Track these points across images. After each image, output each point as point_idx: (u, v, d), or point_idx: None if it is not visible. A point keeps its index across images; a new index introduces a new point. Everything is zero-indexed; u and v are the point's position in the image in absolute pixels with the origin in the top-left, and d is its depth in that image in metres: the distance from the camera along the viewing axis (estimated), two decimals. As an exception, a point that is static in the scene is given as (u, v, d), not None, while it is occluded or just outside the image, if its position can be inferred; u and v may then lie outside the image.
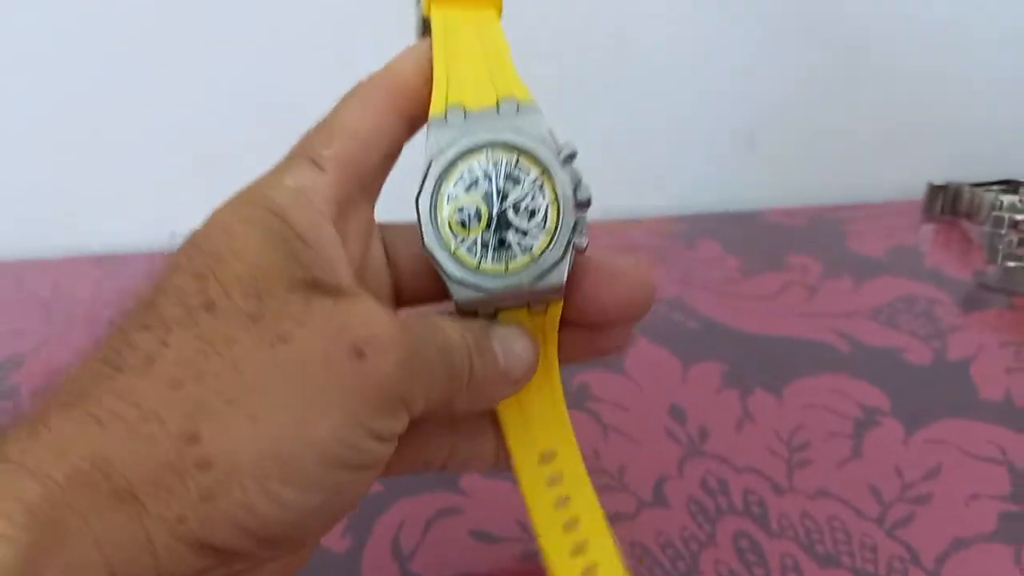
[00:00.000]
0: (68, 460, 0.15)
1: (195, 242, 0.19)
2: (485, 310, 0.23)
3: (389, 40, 0.25)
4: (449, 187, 0.22)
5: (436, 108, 0.22)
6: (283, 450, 0.17)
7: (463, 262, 0.21)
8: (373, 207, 0.23)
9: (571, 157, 0.22)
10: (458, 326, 0.21)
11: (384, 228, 0.24)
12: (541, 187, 0.22)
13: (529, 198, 0.22)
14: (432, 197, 0.22)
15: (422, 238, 0.21)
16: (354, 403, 0.18)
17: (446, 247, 0.21)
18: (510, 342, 0.22)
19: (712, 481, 0.30)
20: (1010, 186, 0.53)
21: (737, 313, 0.42)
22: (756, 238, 0.53)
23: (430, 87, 0.23)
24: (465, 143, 0.22)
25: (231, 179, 0.22)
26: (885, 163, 0.59)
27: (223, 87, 0.57)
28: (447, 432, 0.24)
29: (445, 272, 0.21)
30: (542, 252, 0.21)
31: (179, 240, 0.20)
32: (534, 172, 0.22)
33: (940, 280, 0.44)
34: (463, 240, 0.22)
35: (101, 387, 0.17)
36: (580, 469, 0.24)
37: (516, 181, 0.22)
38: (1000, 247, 0.42)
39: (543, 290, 0.22)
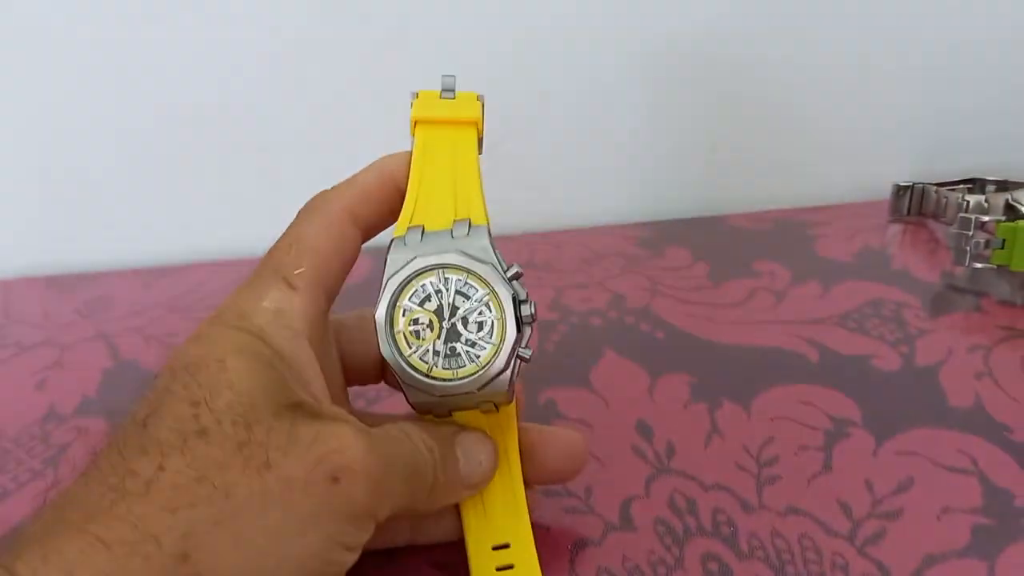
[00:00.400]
0: None
1: (190, 371, 0.21)
2: (439, 410, 0.25)
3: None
4: (404, 301, 0.24)
5: (398, 230, 0.25)
6: (265, 567, 0.19)
7: (416, 368, 0.24)
8: (329, 308, 0.25)
9: (516, 276, 0.24)
10: (426, 437, 0.23)
11: (334, 323, 0.27)
12: (488, 304, 0.24)
13: (477, 313, 0.24)
14: (389, 310, 0.24)
15: (379, 346, 0.23)
16: (329, 524, 0.20)
17: (401, 355, 0.24)
18: (473, 451, 0.25)
19: (680, 500, 0.29)
20: (976, 186, 0.53)
21: (704, 322, 0.42)
22: (722, 244, 0.52)
23: (392, 197, 0.25)
24: (417, 264, 0.24)
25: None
26: (849, 164, 0.59)
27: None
28: (410, 517, 0.26)
29: (400, 377, 0.24)
30: (488, 362, 0.24)
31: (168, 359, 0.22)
32: (482, 290, 0.24)
33: (908, 282, 0.44)
34: (416, 349, 0.24)
35: (106, 511, 0.18)
36: (532, 561, 0.25)
37: (466, 296, 0.24)
38: (968, 248, 0.42)
39: (488, 397, 0.24)
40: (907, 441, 0.31)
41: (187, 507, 0.18)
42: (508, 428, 0.26)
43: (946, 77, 0.57)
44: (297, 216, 0.25)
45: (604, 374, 0.38)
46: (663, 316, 0.43)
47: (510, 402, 0.25)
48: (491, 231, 0.25)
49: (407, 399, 0.24)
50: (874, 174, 0.58)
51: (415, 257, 0.24)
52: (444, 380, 0.24)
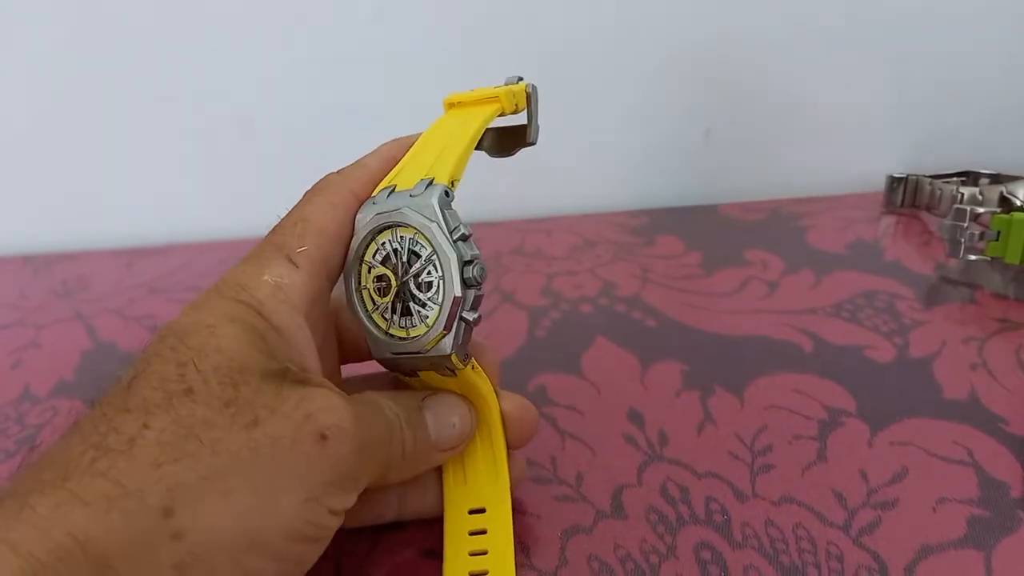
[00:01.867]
0: (51, 537, 0.16)
1: (179, 335, 0.21)
2: (403, 368, 0.25)
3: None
4: (368, 257, 0.24)
5: (376, 190, 0.25)
6: (252, 525, 0.18)
7: (378, 324, 0.24)
8: (332, 289, 0.25)
9: (464, 237, 0.23)
10: (392, 404, 0.24)
11: (334, 301, 0.27)
12: (434, 263, 0.23)
13: (426, 272, 0.23)
14: (355, 265, 0.24)
15: (349, 301, 0.24)
16: (315, 483, 0.20)
17: (365, 310, 0.24)
18: (444, 414, 0.25)
19: (672, 488, 0.28)
20: (969, 178, 0.52)
21: (696, 310, 0.41)
22: (715, 233, 0.52)
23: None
24: (374, 220, 0.24)
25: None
26: (843, 155, 0.59)
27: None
28: (395, 488, 0.26)
29: (366, 331, 0.24)
30: (433, 322, 0.23)
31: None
32: (428, 248, 0.23)
33: (902, 274, 0.44)
34: (378, 306, 0.24)
35: (86, 468, 0.17)
36: (506, 528, 0.25)
37: (417, 255, 0.24)
38: (962, 240, 0.42)
39: (435, 357, 0.24)
40: (902, 431, 0.30)
41: (172, 462, 0.18)
42: (488, 394, 0.26)
43: (941, 69, 0.56)
44: (304, 197, 0.25)
45: (595, 361, 0.37)
46: (654, 304, 0.42)
47: (463, 367, 0.24)
48: (451, 192, 0.24)
49: (373, 354, 0.24)
50: (868, 166, 0.58)
51: (373, 215, 0.24)
52: (399, 339, 0.24)
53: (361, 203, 0.25)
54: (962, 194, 0.46)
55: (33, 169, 0.57)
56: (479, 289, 0.23)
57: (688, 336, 0.39)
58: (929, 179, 0.51)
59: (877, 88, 0.57)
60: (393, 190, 0.24)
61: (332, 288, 0.25)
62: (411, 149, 0.26)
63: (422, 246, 0.23)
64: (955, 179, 0.52)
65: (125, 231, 0.59)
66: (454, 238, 0.23)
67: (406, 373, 0.25)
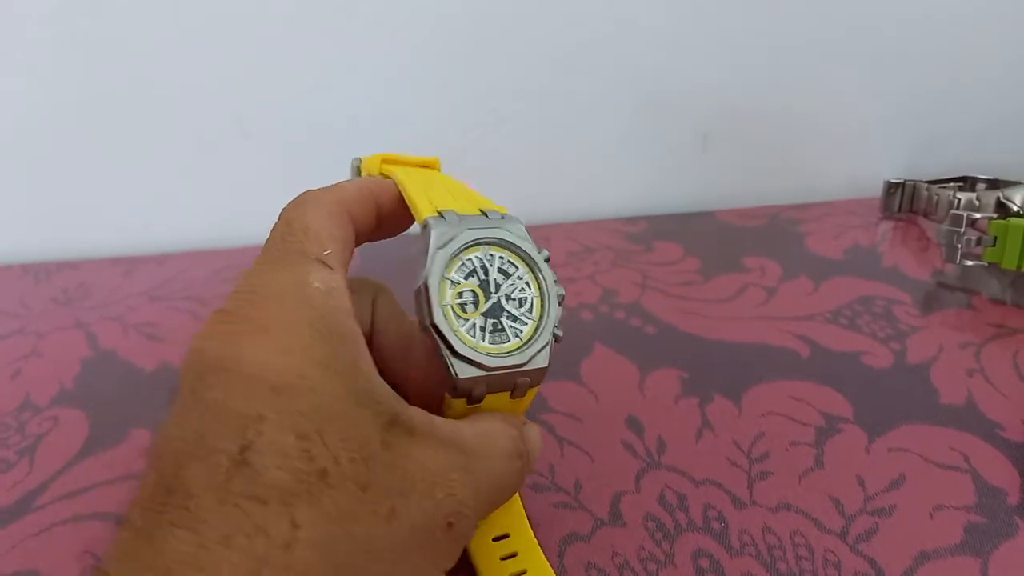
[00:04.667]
0: None
1: (275, 388, 0.18)
2: (478, 391, 0.23)
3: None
4: (451, 273, 0.23)
5: (428, 212, 0.24)
6: None
7: (463, 341, 0.23)
8: None
9: (547, 260, 0.25)
10: (517, 437, 0.24)
11: None
12: (527, 281, 0.24)
13: (518, 290, 0.24)
14: (437, 282, 0.23)
15: (429, 316, 0.22)
16: (442, 563, 0.20)
17: (451, 328, 0.23)
18: (536, 442, 0.25)
19: (671, 496, 0.28)
20: (967, 183, 0.53)
21: (695, 317, 0.41)
22: (713, 239, 0.52)
23: (371, 212, 0.25)
24: (467, 236, 0.24)
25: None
26: (841, 161, 0.59)
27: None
28: None
29: (451, 348, 0.22)
30: (530, 338, 0.24)
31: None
32: (522, 267, 0.24)
33: (899, 280, 0.44)
34: (463, 323, 0.23)
35: None
36: (534, 547, 0.26)
37: (507, 274, 0.24)
38: (959, 246, 0.42)
39: (532, 371, 0.24)
40: (899, 438, 0.30)
41: (334, 570, 0.17)
42: (518, 415, 0.26)
43: (937, 75, 0.56)
44: (290, 211, 0.23)
45: (594, 368, 0.37)
46: (653, 311, 0.42)
47: (540, 383, 0.25)
48: None
49: (453, 375, 0.23)
50: (865, 171, 0.58)
51: (464, 230, 0.24)
52: (491, 354, 0.23)
53: (352, 216, 0.24)
54: (959, 199, 0.46)
55: (32, 178, 0.58)
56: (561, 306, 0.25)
57: (687, 343, 0.39)
58: (926, 184, 0.51)
59: (874, 94, 0.57)
60: (457, 214, 0.24)
61: None
62: (409, 186, 0.25)
63: (513, 265, 0.24)
64: (952, 184, 0.52)
65: (124, 239, 0.60)
66: (544, 259, 0.25)
67: (475, 397, 0.24)
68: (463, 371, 0.23)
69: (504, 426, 0.23)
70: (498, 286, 0.24)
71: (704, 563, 0.25)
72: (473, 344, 0.23)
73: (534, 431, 0.25)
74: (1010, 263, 0.40)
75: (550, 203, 0.59)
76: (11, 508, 0.31)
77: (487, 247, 0.24)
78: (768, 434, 0.31)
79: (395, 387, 0.22)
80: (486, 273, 0.24)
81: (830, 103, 0.57)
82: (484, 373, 0.23)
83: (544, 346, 0.24)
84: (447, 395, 0.23)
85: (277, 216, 0.24)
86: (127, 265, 0.56)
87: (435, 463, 0.20)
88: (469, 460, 0.21)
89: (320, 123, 0.56)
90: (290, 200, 0.24)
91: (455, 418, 0.24)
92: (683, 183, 0.59)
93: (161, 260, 0.57)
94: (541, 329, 0.24)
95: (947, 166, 0.55)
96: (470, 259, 0.24)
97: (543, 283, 0.24)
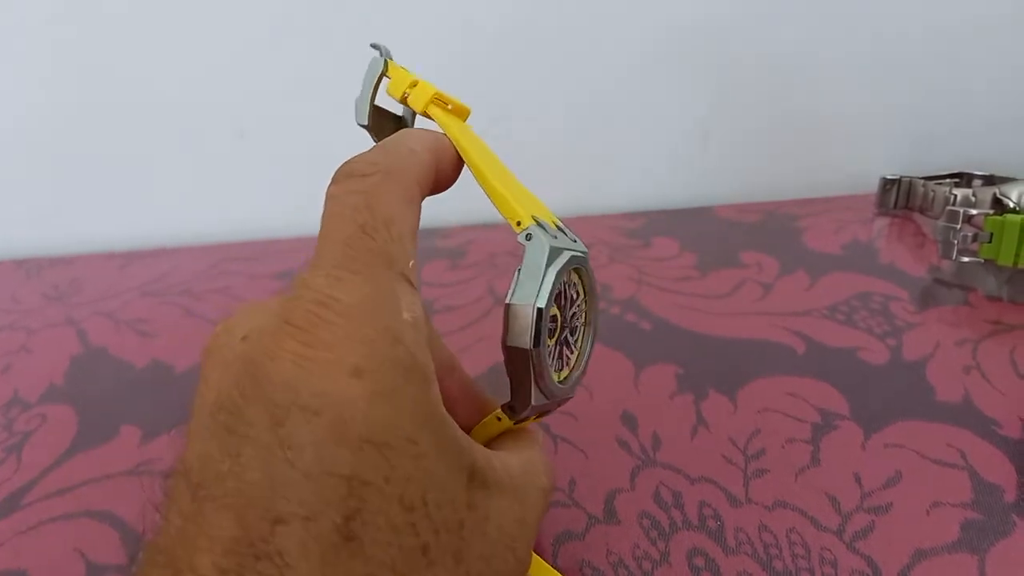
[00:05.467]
0: None
1: (381, 449, 0.16)
2: (528, 415, 0.22)
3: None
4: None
5: (526, 219, 0.22)
6: None
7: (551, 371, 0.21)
8: None
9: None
10: (551, 472, 0.23)
11: None
12: (582, 308, 0.23)
13: (574, 317, 0.23)
14: (547, 305, 0.20)
15: (534, 340, 0.20)
16: None
17: (545, 352, 0.21)
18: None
19: (666, 493, 0.28)
20: (963, 179, 0.52)
21: (691, 313, 0.41)
22: (710, 235, 0.51)
23: (431, 183, 0.22)
24: (568, 257, 0.21)
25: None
26: (837, 156, 0.59)
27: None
28: None
29: (540, 377, 0.21)
30: (572, 368, 0.23)
31: None
32: (581, 294, 0.23)
33: (895, 276, 0.43)
34: (549, 348, 0.21)
35: None
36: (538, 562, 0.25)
37: (571, 301, 0.23)
38: (955, 242, 0.42)
39: (566, 401, 0.24)
40: (895, 434, 0.30)
41: None
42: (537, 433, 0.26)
43: (935, 72, 0.56)
44: (370, 188, 0.19)
45: (589, 364, 0.37)
46: (649, 307, 0.42)
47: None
48: None
49: (527, 402, 0.21)
50: (862, 167, 0.58)
51: (564, 250, 0.21)
52: (556, 383, 0.22)
53: (421, 195, 0.21)
54: (955, 196, 0.46)
55: (26, 173, 0.57)
56: None
57: (682, 339, 0.38)
58: (922, 181, 0.51)
59: (871, 90, 0.57)
60: (545, 225, 0.22)
61: None
62: (478, 165, 0.23)
63: (576, 291, 0.23)
64: (948, 181, 0.52)
65: (118, 234, 0.59)
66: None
67: (521, 420, 0.23)
68: (538, 399, 0.21)
69: (542, 456, 0.23)
70: (569, 313, 0.23)
71: (700, 562, 0.25)
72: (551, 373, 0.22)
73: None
74: (1006, 259, 0.40)
75: (548, 199, 0.58)
76: (-1, 506, 0.30)
77: (570, 269, 0.22)
78: (764, 431, 0.31)
79: None
80: (564, 297, 0.22)
81: (827, 99, 0.57)
82: (548, 401, 0.22)
83: (580, 376, 0.23)
84: (498, 415, 0.22)
85: (338, 181, 0.20)
86: (122, 260, 0.56)
87: (505, 518, 0.19)
88: (524, 510, 0.20)
89: (315, 117, 0.56)
90: (353, 159, 0.20)
91: (489, 437, 0.23)
92: (681, 179, 0.59)
93: (156, 254, 0.56)
94: (584, 359, 0.24)
95: (944, 162, 0.55)
96: (555, 281, 0.21)
97: (592, 311, 0.23)
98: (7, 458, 0.34)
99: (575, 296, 0.23)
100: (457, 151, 0.23)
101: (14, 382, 0.40)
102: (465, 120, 0.26)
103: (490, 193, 0.22)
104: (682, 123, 0.57)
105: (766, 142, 0.58)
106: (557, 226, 0.23)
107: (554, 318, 0.21)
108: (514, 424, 0.23)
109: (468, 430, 0.23)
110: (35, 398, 0.38)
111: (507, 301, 0.20)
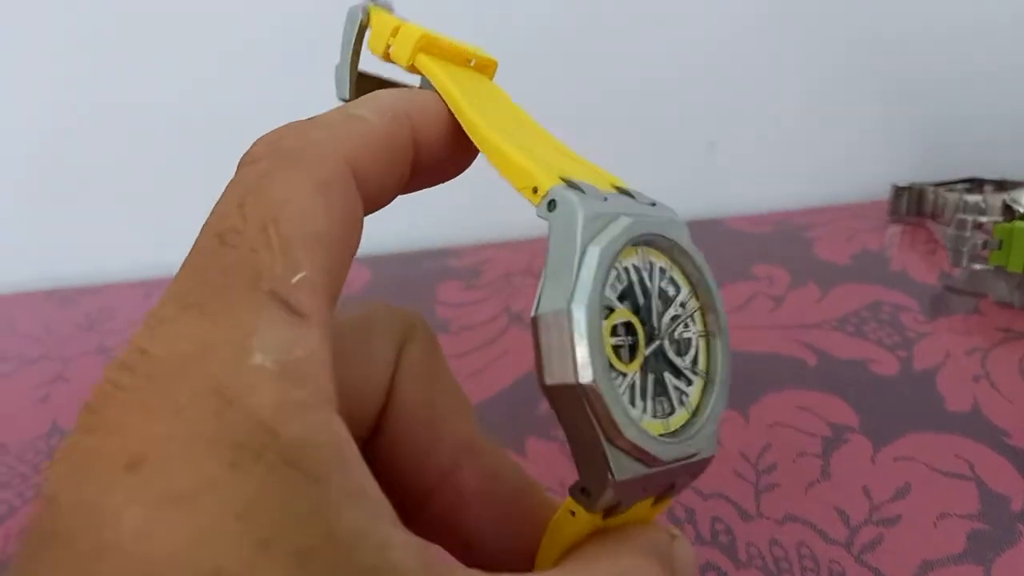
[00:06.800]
0: None
1: None
2: (629, 498, 0.14)
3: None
4: (607, 291, 0.14)
5: (548, 178, 0.15)
6: None
7: (628, 415, 0.14)
8: None
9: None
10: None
11: None
12: (692, 310, 0.16)
13: (682, 324, 0.15)
14: (595, 302, 0.13)
15: (573, 371, 0.13)
16: None
17: (614, 392, 0.13)
18: (686, 561, 0.16)
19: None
20: (974, 185, 0.53)
21: (703, 328, 0.42)
22: (722, 247, 0.52)
23: (406, 151, 0.15)
24: (630, 226, 0.14)
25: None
26: (849, 164, 0.59)
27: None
28: None
29: (616, 427, 0.13)
30: (697, 406, 0.15)
31: None
32: (685, 290, 0.16)
33: (906, 285, 0.44)
34: (619, 380, 0.14)
35: None
36: None
37: (669, 299, 0.15)
38: (964, 249, 0.42)
39: (701, 464, 0.15)
40: (905, 447, 0.31)
41: None
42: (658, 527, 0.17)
43: (945, 73, 0.56)
44: (257, 167, 0.14)
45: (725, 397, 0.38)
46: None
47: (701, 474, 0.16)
48: None
49: (608, 477, 0.13)
50: (874, 173, 0.58)
51: (620, 215, 0.14)
52: (658, 436, 0.14)
53: (364, 177, 0.14)
54: (965, 202, 0.46)
55: (54, 206, 0.59)
56: None
57: (694, 354, 0.39)
58: (933, 187, 0.52)
59: (881, 96, 0.57)
60: (594, 187, 0.15)
61: None
62: (475, 123, 0.16)
63: (674, 285, 0.16)
64: (959, 187, 0.52)
65: (145, 262, 0.61)
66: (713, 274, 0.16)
67: (614, 509, 0.15)
68: (623, 469, 0.13)
69: (656, 568, 0.14)
70: (660, 318, 0.15)
71: (712, 576, 0.26)
72: (637, 420, 0.14)
73: (685, 550, 0.16)
74: (1016, 266, 0.40)
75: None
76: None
77: (646, 249, 0.15)
78: (775, 446, 0.32)
79: (414, 500, 0.14)
80: (645, 294, 0.15)
81: (837, 105, 0.57)
82: (650, 471, 0.14)
83: (716, 420, 0.16)
84: (572, 507, 0.15)
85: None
86: (147, 288, 0.58)
87: None
88: None
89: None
90: (259, 139, 0.15)
91: (567, 546, 0.15)
92: (690, 190, 0.60)
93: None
94: (713, 393, 0.16)
95: (956, 168, 0.55)
96: (626, 268, 0.14)
97: (714, 316, 0.16)
98: (48, 487, 0.35)
99: (672, 291, 0.15)
100: (454, 113, 0.16)
101: (53, 412, 0.42)
102: (491, 76, 0.20)
103: (491, 155, 0.16)
104: (687, 132, 0.58)
105: (775, 150, 0.59)
106: (620, 189, 0.16)
107: (627, 326, 0.14)
108: (603, 519, 0.15)
109: (507, 549, 0.16)
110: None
111: (532, 314, 0.14)
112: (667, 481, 0.15)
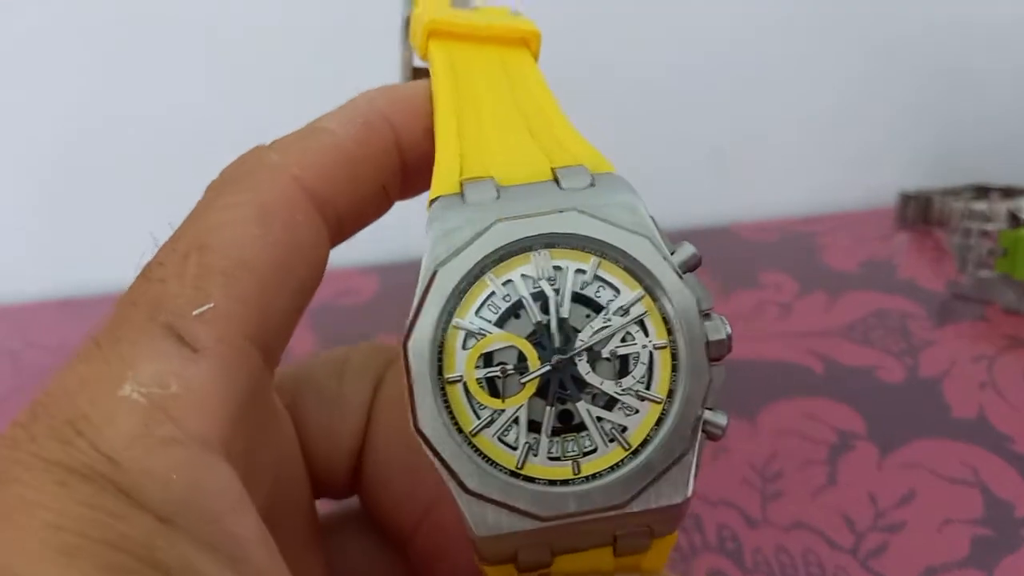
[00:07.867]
0: None
1: None
2: (532, 556, 0.12)
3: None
4: (468, 315, 0.12)
5: (443, 187, 0.14)
6: None
7: (493, 459, 0.12)
8: (275, 366, 0.14)
9: (692, 265, 0.14)
10: None
11: (288, 386, 0.16)
12: (640, 318, 0.13)
13: (618, 338, 0.13)
14: (437, 336, 0.12)
15: (413, 413, 0.12)
16: None
17: (461, 431, 0.12)
18: None
19: (687, 518, 0.29)
20: (980, 192, 0.53)
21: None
22: (730, 255, 0.53)
23: (386, 161, 0.15)
24: (502, 234, 0.13)
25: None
26: (856, 171, 0.60)
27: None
28: None
29: (456, 479, 0.12)
30: (646, 440, 0.13)
31: None
32: (628, 292, 0.13)
33: (913, 292, 0.44)
34: (493, 417, 0.12)
35: None
36: None
37: (594, 307, 0.13)
38: (970, 257, 0.42)
39: (651, 514, 0.13)
40: (911, 453, 0.31)
41: None
42: None
43: (953, 79, 0.57)
44: (207, 193, 0.14)
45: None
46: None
47: (679, 524, 0.14)
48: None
49: (469, 534, 0.12)
50: (881, 182, 0.58)
51: (495, 222, 0.13)
52: (554, 484, 0.12)
53: (321, 203, 0.14)
54: (971, 209, 0.46)
55: (69, 215, 0.60)
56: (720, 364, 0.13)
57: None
58: (939, 194, 0.52)
59: (889, 103, 0.57)
60: (496, 185, 0.14)
61: (274, 368, 0.14)
62: (442, 115, 0.15)
63: (607, 287, 0.13)
64: (965, 194, 0.52)
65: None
66: (681, 269, 0.14)
67: (529, 567, 0.13)
68: (480, 527, 0.12)
69: None
70: (574, 331, 0.13)
71: (719, 582, 0.27)
72: (514, 463, 0.12)
73: None
74: (1022, 273, 0.41)
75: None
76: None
77: (544, 251, 0.13)
78: (782, 453, 0.32)
79: (401, 534, 0.14)
80: (545, 309, 0.13)
81: (843, 112, 0.58)
82: (532, 527, 0.12)
83: (678, 456, 0.13)
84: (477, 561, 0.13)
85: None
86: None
87: None
88: None
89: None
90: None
91: None
92: (696, 197, 0.60)
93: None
94: (671, 417, 0.13)
95: (965, 174, 0.56)
96: (510, 281, 0.13)
97: (672, 319, 0.14)
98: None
99: (608, 296, 0.13)
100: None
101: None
102: (534, 56, 0.18)
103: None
104: (694, 139, 0.59)
105: (782, 157, 0.59)
106: (556, 175, 0.14)
107: (504, 355, 0.12)
108: (519, 572, 0.13)
109: None
110: (90, 436, 0.40)
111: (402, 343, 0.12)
112: (594, 534, 0.12)
